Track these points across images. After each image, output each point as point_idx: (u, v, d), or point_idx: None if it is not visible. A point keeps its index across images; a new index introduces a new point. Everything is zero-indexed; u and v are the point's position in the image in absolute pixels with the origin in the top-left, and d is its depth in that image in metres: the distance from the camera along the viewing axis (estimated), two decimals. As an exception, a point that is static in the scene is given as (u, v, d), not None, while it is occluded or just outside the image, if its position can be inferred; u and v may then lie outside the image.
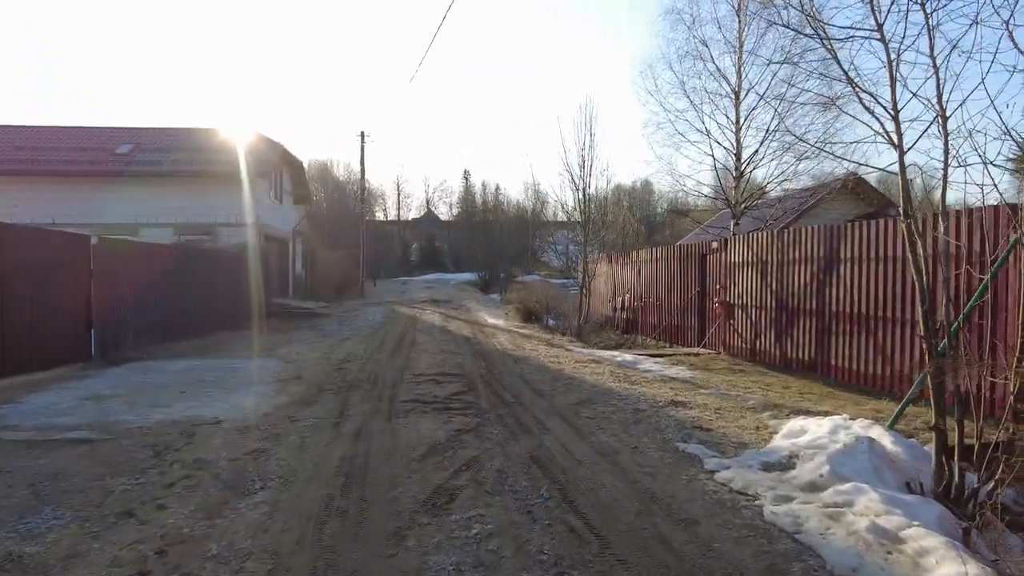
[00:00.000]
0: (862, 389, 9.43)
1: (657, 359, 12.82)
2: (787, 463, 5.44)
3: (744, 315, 12.98)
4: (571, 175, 15.81)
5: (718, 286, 14.03)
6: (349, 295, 33.18)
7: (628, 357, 12.69)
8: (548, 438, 6.23)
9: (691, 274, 15.17)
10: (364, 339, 14.86)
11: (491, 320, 18.86)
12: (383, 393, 8.60)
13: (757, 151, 15.09)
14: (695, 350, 14.34)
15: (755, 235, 12.71)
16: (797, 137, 13.34)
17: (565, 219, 16.21)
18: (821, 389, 9.57)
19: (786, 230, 11.73)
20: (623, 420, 7.11)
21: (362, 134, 36.18)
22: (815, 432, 6.07)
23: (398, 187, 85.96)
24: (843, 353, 10.01)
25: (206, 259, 17.90)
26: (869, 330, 9.47)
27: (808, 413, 7.42)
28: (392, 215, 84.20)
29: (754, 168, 15.49)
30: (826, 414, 7.13)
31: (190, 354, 12.42)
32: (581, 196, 15.90)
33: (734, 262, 13.36)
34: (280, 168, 28.01)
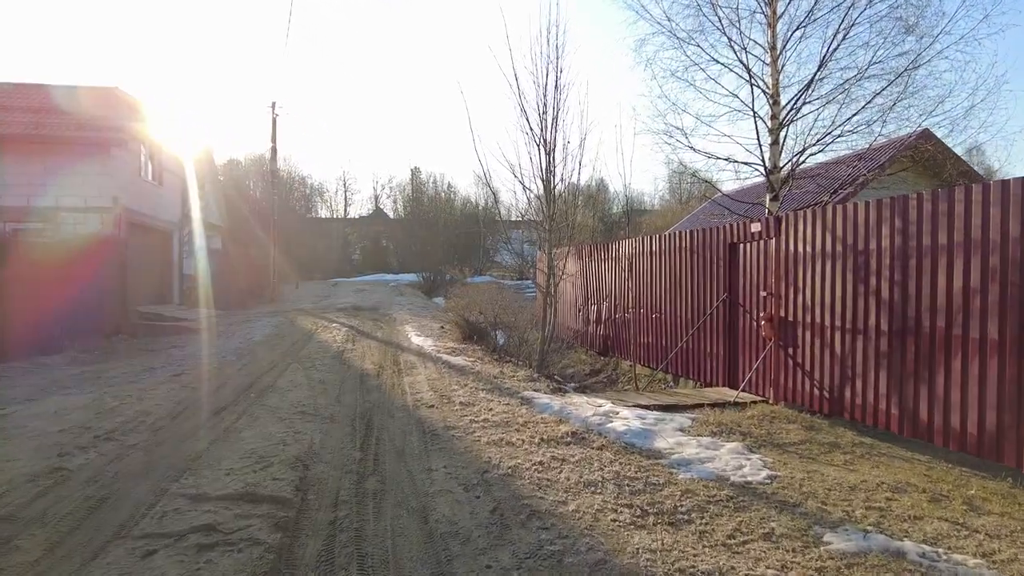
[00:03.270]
0: None
1: (676, 417, 7.51)
2: None
3: (817, 340, 7.81)
4: (529, 124, 10.52)
5: (764, 292, 8.83)
6: (260, 300, 27.15)
7: (627, 417, 7.35)
8: None
9: (712, 273, 9.96)
10: (190, 384, 9.16)
11: (417, 339, 13.32)
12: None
13: (810, 86, 9.91)
14: (725, 393, 9.10)
15: (840, 210, 7.53)
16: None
17: (523, 197, 10.62)
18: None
19: (915, 197, 6.59)
20: None
21: (273, 104, 30.07)
22: None
23: (344, 183, 79.75)
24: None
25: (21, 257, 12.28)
26: None
27: None
28: (339, 212, 78.08)
29: (801, 115, 10.35)
30: None
31: None
32: (544, 158, 10.59)
33: (795, 253, 8.18)
34: (156, 142, 21.85)
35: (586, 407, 7.76)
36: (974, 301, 5.87)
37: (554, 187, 11.01)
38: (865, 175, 10.83)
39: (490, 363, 10.73)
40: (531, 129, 10.59)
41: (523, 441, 6.07)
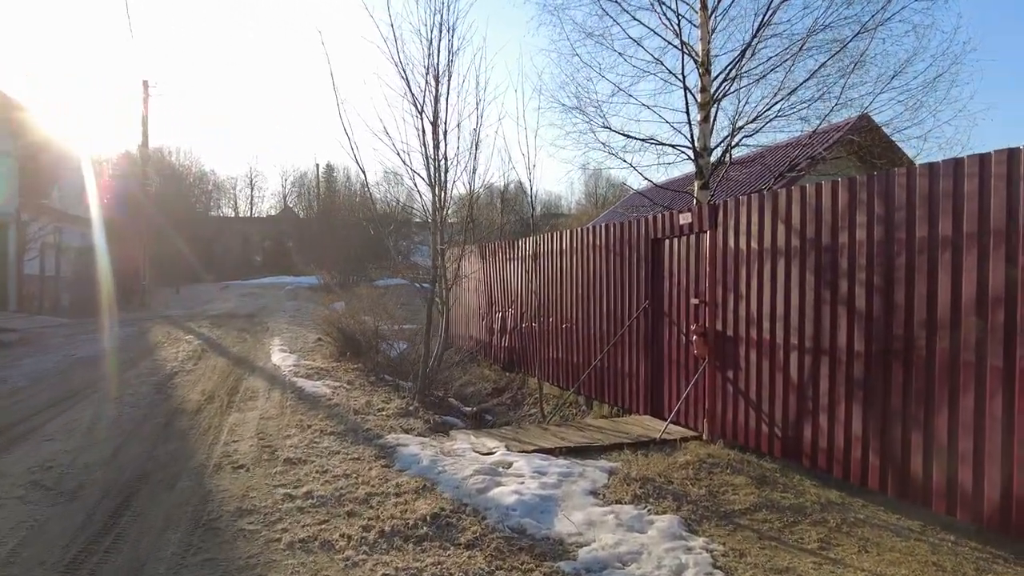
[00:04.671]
0: None
1: (588, 469, 5.55)
2: None
3: (766, 362, 6.04)
4: (409, 88, 8.34)
5: (695, 300, 7.03)
6: (128, 306, 23.60)
7: (522, 473, 5.29)
8: None
9: (632, 276, 8.10)
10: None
11: (279, 356, 10.84)
12: None
13: (744, 53, 8.23)
14: (648, 426, 7.24)
15: (798, 193, 5.78)
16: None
17: (420, 188, 8.37)
18: None
19: (904, 172, 4.88)
20: None
21: (145, 83, 26.36)
22: None
23: (251, 180, 74.60)
24: None
25: None
26: None
27: None
28: (245, 211, 73.07)
29: (735, 88, 8.68)
30: None
31: None
32: (430, 133, 8.45)
33: (736, 250, 6.40)
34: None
35: (468, 458, 5.66)
36: (995, 315, 4.17)
37: (444, 168, 8.88)
38: (802, 162, 9.34)
39: (360, 389, 8.46)
40: (411, 92, 8.40)
41: (351, 538, 3.88)
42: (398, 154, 8.88)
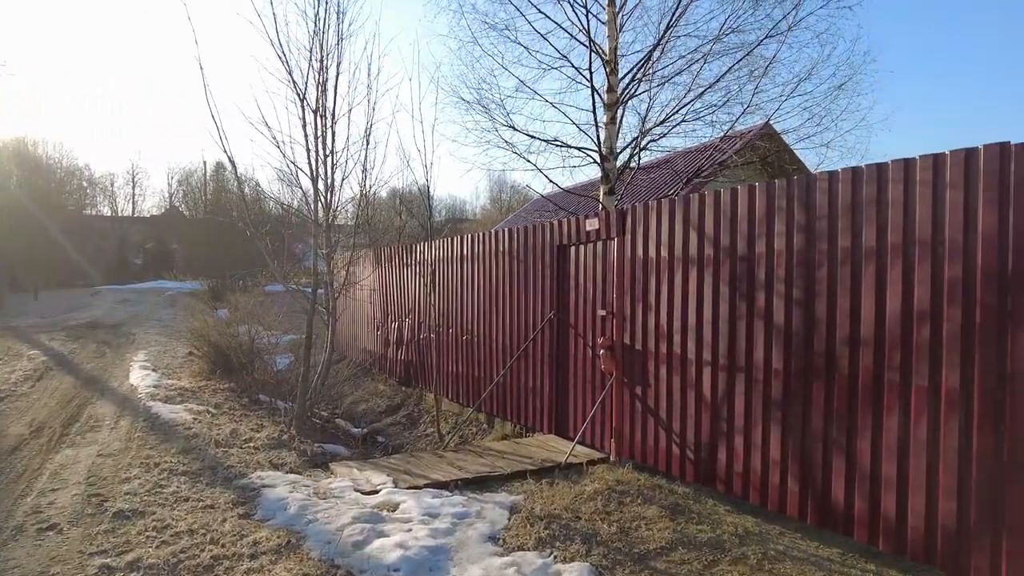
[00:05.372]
0: None
1: (487, 506, 4.89)
2: None
3: (677, 379, 5.62)
4: (290, 73, 7.39)
5: (602, 311, 6.54)
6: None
7: (410, 516, 4.55)
8: None
9: (537, 284, 7.55)
10: None
11: (138, 375, 9.45)
12: None
13: (651, 55, 7.90)
14: (553, 447, 6.68)
15: (711, 198, 5.39)
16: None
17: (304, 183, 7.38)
18: None
19: (826, 177, 4.56)
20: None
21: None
22: None
23: (133, 177, 68.83)
24: None
25: None
26: None
27: None
28: (126, 210, 67.31)
29: (642, 90, 8.33)
30: None
31: None
32: (313, 124, 7.53)
33: (646, 259, 5.96)
34: None
35: (347, 500, 4.84)
36: (920, 331, 3.87)
37: (332, 164, 7.97)
38: (709, 168, 9.18)
39: (228, 414, 7.40)
40: (291, 78, 7.45)
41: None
42: (278, 146, 7.88)
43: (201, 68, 9.57)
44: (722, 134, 8.65)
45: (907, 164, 3.95)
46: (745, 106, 8.20)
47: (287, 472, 5.50)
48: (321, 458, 6.32)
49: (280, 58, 7.54)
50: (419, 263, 10.42)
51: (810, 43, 8.56)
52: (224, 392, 8.53)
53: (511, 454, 6.45)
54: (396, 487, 5.24)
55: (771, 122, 9.49)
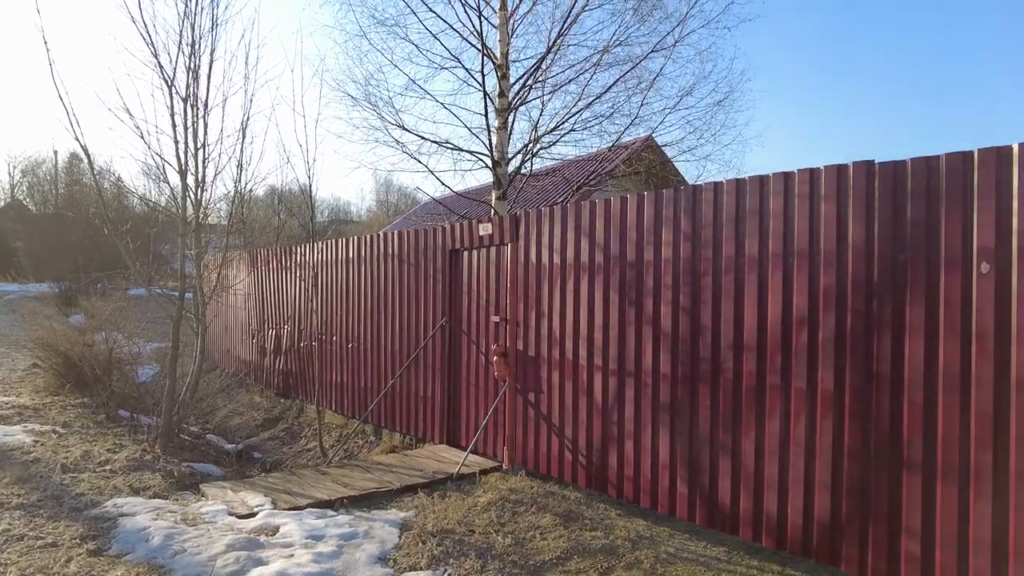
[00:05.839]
0: None
1: (376, 524, 4.64)
2: None
3: (570, 385, 5.63)
4: (155, 55, 6.70)
5: (495, 317, 6.46)
6: None
7: (291, 540, 4.22)
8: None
9: (429, 290, 7.34)
10: None
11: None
12: None
13: (541, 64, 7.96)
14: (445, 457, 6.50)
15: (601, 206, 5.45)
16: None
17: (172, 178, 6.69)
18: None
19: (711, 188, 4.72)
20: None
21: None
22: None
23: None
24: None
25: None
26: None
27: None
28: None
29: (533, 98, 8.37)
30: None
31: None
32: (182, 113, 6.87)
33: (539, 265, 5.95)
34: None
35: (220, 525, 4.41)
36: (799, 336, 4.09)
37: (204, 157, 7.33)
38: (597, 177, 9.40)
39: (79, 433, 6.59)
40: (156, 60, 6.78)
41: None
42: (142, 137, 7.16)
43: (45, 42, 8.48)
44: (610, 144, 8.88)
45: (787, 177, 4.17)
46: (632, 118, 8.49)
47: (150, 497, 4.94)
48: (191, 479, 5.76)
49: (144, 39, 6.86)
50: (300, 266, 9.87)
51: (693, 60, 9.08)
52: (76, 409, 7.61)
53: (401, 467, 6.20)
54: (275, 508, 4.86)
55: (655, 135, 9.90)
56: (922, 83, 74.61)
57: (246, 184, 8.55)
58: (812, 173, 4.04)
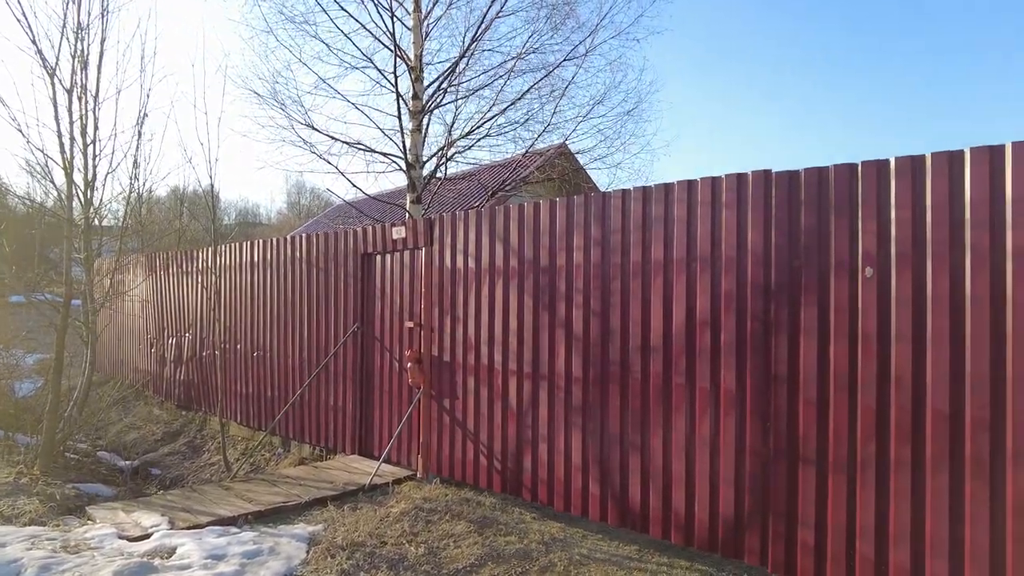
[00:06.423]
0: None
1: (283, 539, 4.44)
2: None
3: (485, 390, 5.61)
4: (34, 40, 6.15)
5: (410, 323, 6.35)
6: None
7: (189, 562, 3.96)
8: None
9: (340, 295, 7.14)
10: None
11: None
12: None
13: (456, 67, 7.93)
14: (356, 468, 6.33)
15: (515, 211, 5.47)
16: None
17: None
18: None
19: (619, 195, 4.82)
20: None
21: None
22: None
23: None
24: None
25: None
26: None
27: None
28: None
29: (448, 101, 8.31)
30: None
31: None
32: (65, 104, 6.35)
33: (454, 270, 5.90)
34: None
35: (108, 550, 4.09)
36: (702, 338, 4.24)
37: (94, 154, 6.83)
38: (512, 183, 9.46)
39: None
40: (37, 48, 6.25)
41: None
42: (19, 130, 6.59)
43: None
44: (524, 151, 8.96)
45: (690, 185, 4.32)
46: (545, 124, 8.59)
47: (25, 524, 4.52)
48: (76, 502, 5.32)
49: (21, 22, 6.32)
50: (202, 271, 9.38)
51: (604, 69, 9.29)
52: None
53: (310, 480, 5.98)
54: (173, 528, 4.56)
55: (568, 142, 10.07)
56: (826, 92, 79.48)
57: (144, 183, 8.06)
58: (714, 181, 4.21)
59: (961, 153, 3.38)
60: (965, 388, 3.31)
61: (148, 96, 7.44)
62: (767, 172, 4.02)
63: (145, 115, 7.45)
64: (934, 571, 3.35)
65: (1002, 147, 3.26)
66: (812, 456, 3.80)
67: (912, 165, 3.51)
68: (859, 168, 3.69)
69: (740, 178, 4.10)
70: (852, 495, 3.64)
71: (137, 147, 7.40)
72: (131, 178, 7.64)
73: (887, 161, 3.60)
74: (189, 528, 4.61)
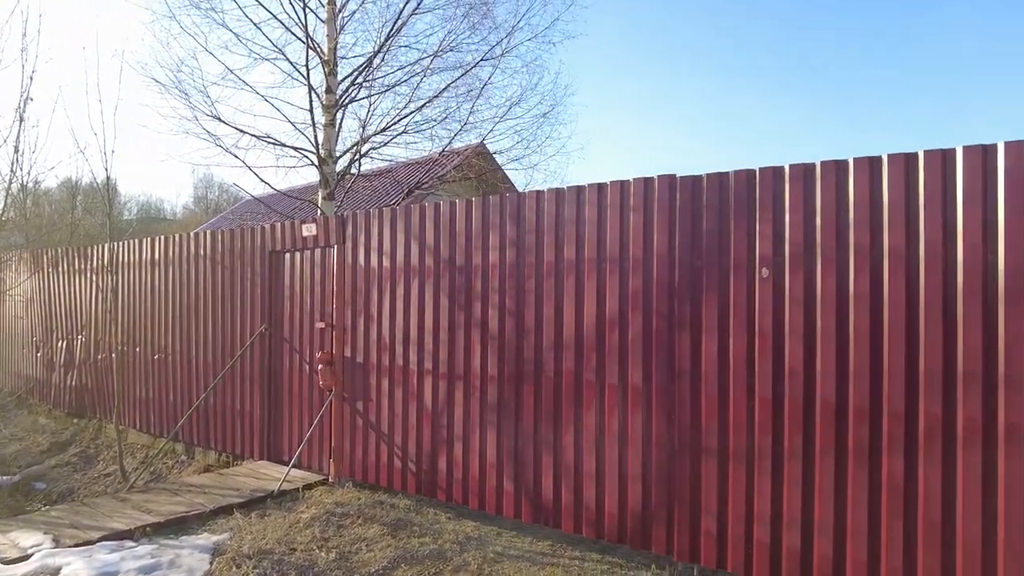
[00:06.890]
0: None
1: (184, 551, 4.23)
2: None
3: (399, 391, 5.55)
4: None
5: (320, 323, 6.19)
6: None
7: (80, 580, 3.71)
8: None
9: (246, 294, 6.86)
10: None
11: None
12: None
13: (371, 62, 7.79)
14: (264, 474, 6.11)
15: (431, 210, 5.43)
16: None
17: None
18: None
19: (532, 196, 4.89)
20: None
21: None
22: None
23: None
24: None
25: None
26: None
27: None
28: None
29: (362, 96, 8.15)
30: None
31: None
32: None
33: (367, 269, 5.80)
34: None
35: (-18, 573, 3.76)
36: (611, 336, 4.36)
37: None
38: (429, 181, 9.39)
39: None
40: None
41: None
42: None
43: None
44: (441, 149, 8.92)
45: (600, 188, 4.42)
46: (462, 123, 8.59)
47: None
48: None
49: None
50: (98, 269, 8.78)
51: (520, 71, 9.41)
52: None
53: (215, 487, 5.72)
54: (58, 547, 4.25)
55: (486, 142, 10.10)
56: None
57: (28, 172, 7.47)
58: (623, 185, 4.33)
59: (846, 162, 3.63)
60: (849, 381, 3.56)
61: (31, 79, 6.90)
62: (672, 177, 4.18)
63: (29, 98, 6.91)
64: (820, 550, 3.59)
65: (879, 157, 3.53)
66: (714, 448, 3.98)
67: (804, 172, 3.74)
68: (756, 174, 3.89)
69: (647, 182, 4.25)
70: (751, 484, 3.84)
71: (19, 133, 6.86)
72: (12, 166, 7.08)
73: (782, 168, 3.82)
74: (77, 545, 4.30)
